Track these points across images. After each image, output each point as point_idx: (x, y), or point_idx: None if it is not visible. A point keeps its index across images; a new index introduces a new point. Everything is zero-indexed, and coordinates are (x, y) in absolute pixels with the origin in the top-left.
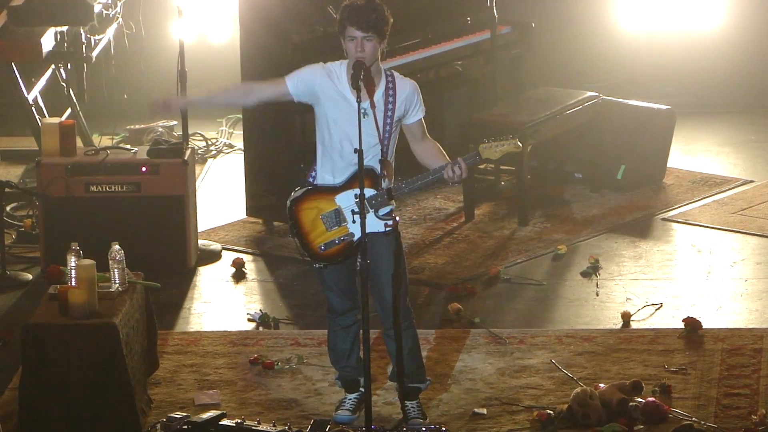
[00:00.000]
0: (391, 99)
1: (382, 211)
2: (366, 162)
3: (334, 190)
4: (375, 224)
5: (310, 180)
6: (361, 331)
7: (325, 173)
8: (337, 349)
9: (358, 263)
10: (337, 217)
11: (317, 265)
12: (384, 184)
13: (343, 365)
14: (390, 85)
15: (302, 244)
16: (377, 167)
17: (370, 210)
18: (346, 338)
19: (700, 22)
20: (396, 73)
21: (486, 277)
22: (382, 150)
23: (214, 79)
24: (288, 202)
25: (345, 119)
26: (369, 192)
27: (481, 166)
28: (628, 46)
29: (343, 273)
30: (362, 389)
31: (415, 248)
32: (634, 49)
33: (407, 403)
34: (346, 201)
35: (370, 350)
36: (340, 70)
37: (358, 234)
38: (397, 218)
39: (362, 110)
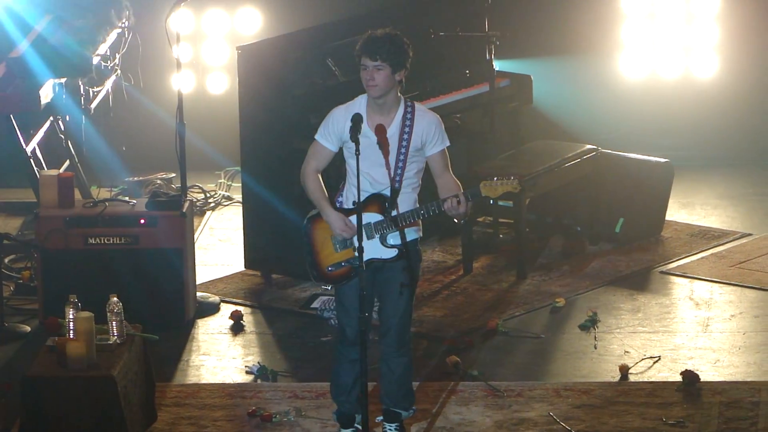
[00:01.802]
0: (407, 129)
1: (391, 238)
2: (380, 190)
3: (345, 213)
4: (382, 251)
5: (337, 203)
6: (357, 375)
7: (348, 198)
8: (340, 383)
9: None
10: (344, 239)
11: (324, 287)
12: (394, 212)
13: (344, 399)
14: (408, 115)
15: (311, 263)
16: (387, 194)
17: (376, 236)
18: (351, 373)
19: (697, 70)
20: (418, 105)
21: (484, 330)
22: (392, 179)
23: (213, 130)
24: (305, 219)
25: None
26: (375, 218)
27: (480, 219)
28: (626, 98)
29: (356, 295)
30: (357, 426)
31: (414, 301)
32: (632, 102)
33: (386, 424)
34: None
35: (367, 397)
36: (361, 103)
37: (373, 256)
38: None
39: (377, 142)
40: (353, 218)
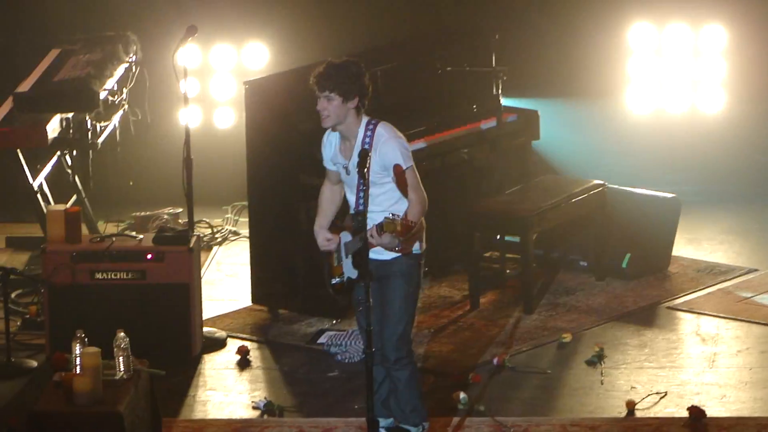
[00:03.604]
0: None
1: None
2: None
3: (341, 228)
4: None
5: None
6: (383, 377)
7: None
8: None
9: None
10: (338, 253)
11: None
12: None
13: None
14: (367, 140)
15: (327, 274)
16: (355, 217)
17: (348, 256)
18: (376, 374)
19: (704, 105)
20: (380, 129)
21: (491, 366)
22: (357, 201)
23: (220, 165)
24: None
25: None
26: (347, 237)
27: (486, 254)
28: (633, 133)
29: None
30: (382, 430)
31: (420, 336)
32: (639, 137)
33: None
34: (344, 239)
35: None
36: (333, 134)
37: (347, 274)
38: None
39: (346, 167)
40: (343, 233)
